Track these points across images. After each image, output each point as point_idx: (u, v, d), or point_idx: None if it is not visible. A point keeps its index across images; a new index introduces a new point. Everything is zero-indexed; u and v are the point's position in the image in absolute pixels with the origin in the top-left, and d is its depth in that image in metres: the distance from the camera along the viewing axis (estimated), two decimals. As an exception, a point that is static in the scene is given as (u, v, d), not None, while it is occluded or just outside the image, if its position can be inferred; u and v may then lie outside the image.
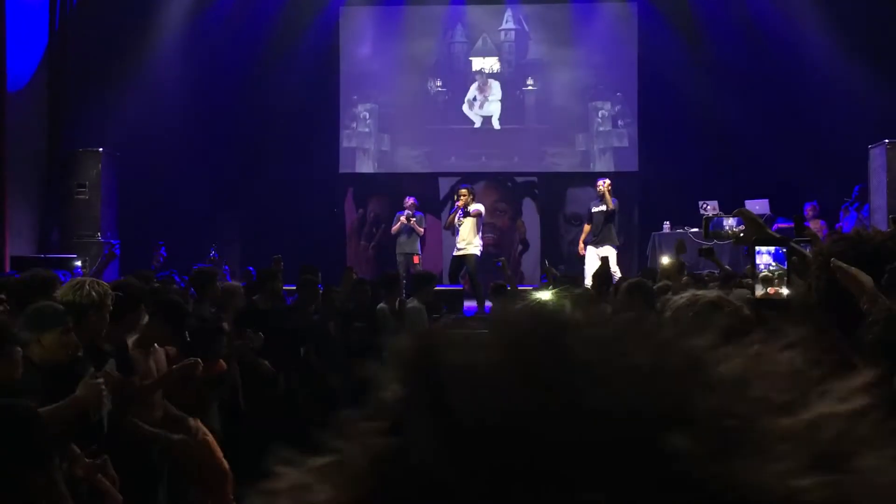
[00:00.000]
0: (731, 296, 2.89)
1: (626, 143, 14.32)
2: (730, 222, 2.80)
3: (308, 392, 6.62)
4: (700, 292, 2.08)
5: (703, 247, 7.14)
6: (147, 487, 4.37)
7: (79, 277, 4.25)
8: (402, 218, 11.51)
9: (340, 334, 7.15)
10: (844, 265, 2.04)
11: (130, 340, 4.60)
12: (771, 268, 1.83)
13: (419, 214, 11.67)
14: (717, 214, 2.97)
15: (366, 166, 14.56)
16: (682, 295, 2.02)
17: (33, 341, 3.33)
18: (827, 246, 1.73)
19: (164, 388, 4.52)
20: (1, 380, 3.02)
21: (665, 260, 6.03)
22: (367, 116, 14.71)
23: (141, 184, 11.43)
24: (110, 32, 11.64)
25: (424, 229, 11.73)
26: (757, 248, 1.86)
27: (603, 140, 14.63)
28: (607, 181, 10.94)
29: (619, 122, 14.43)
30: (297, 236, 12.41)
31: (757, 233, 2.71)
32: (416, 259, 11.36)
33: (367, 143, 14.66)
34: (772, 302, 1.81)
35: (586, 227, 11.06)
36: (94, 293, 3.74)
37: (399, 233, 11.58)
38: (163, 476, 4.49)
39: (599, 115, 14.64)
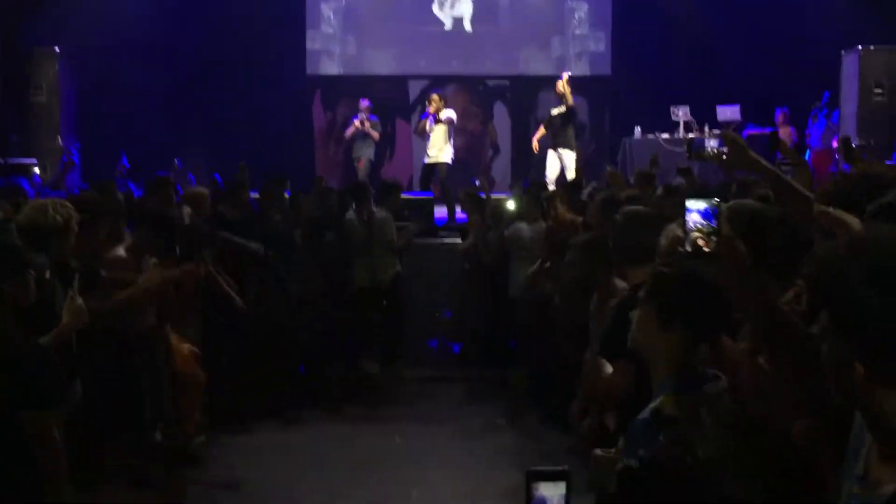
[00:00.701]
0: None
1: (602, 48, 13.99)
2: (713, 143, 2.81)
3: (272, 300, 6.65)
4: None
5: (682, 166, 7.14)
6: (130, 400, 4.41)
7: (41, 200, 4.11)
8: (356, 122, 11.44)
9: (307, 243, 7.14)
10: (829, 210, 2.02)
11: (118, 251, 4.59)
12: (699, 226, 1.82)
13: (374, 118, 11.58)
14: (701, 136, 2.97)
15: (332, 70, 14.17)
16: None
17: None
18: (829, 186, 1.71)
19: (154, 296, 4.49)
20: (14, 304, 2.94)
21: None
22: (332, 16, 14.19)
23: (101, 88, 11.08)
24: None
25: (379, 133, 11.69)
26: (687, 205, 1.84)
27: (579, 44, 14.23)
28: (566, 75, 10.66)
29: (594, 26, 14.02)
30: (265, 141, 12.18)
31: (740, 156, 2.68)
32: (360, 163, 11.45)
33: (332, 44, 14.17)
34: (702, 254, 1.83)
35: (541, 129, 10.84)
36: (58, 217, 3.64)
37: (354, 137, 11.51)
38: (144, 389, 4.51)
39: (575, 17, 14.20)
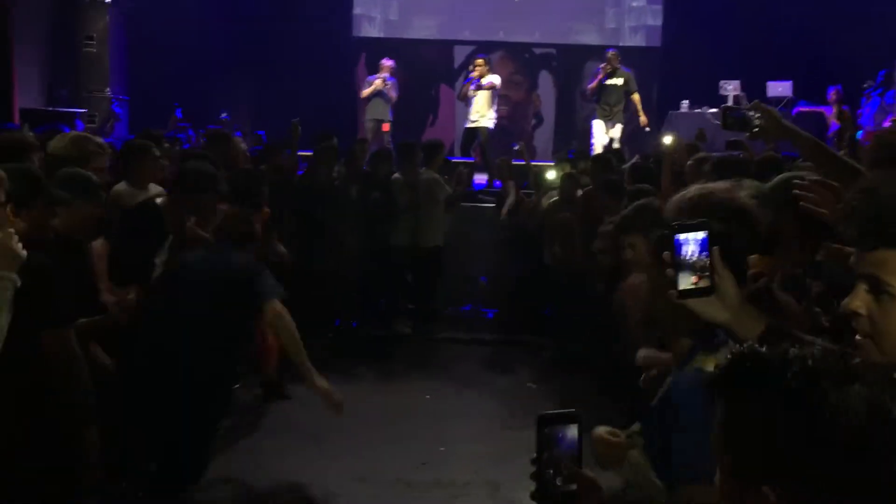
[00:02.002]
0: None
1: (658, 22, 13.61)
2: (749, 114, 2.74)
3: (326, 252, 6.71)
4: (709, 186, 2.01)
5: (732, 139, 6.94)
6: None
7: (79, 133, 4.18)
8: (377, 81, 10.93)
9: (360, 199, 7.22)
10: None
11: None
12: (694, 259, 1.59)
13: (392, 80, 11.03)
14: (736, 107, 2.84)
15: (372, 34, 13.95)
16: (690, 189, 1.93)
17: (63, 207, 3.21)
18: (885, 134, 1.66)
19: None
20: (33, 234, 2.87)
21: (667, 140, 5.83)
22: None
23: (151, 40, 11.16)
24: None
25: (397, 95, 11.12)
26: (683, 236, 1.58)
27: (635, 17, 13.81)
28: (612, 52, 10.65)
29: (666, 3, 13.45)
30: (310, 101, 12.18)
31: (775, 127, 2.63)
32: (385, 126, 10.91)
33: (373, 10, 13.86)
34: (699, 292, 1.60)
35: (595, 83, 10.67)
36: (82, 148, 3.73)
37: (370, 96, 11.02)
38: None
39: None
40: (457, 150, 11.25)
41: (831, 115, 10.47)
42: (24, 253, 2.37)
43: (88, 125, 9.51)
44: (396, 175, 7.60)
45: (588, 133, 11.01)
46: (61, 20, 10.90)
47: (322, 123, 10.73)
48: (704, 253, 1.59)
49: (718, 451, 1.10)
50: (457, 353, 7.17)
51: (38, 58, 10.69)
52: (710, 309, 1.62)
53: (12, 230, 2.39)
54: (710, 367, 1.93)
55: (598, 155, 8.00)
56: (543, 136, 13.76)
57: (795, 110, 10.96)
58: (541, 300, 7.51)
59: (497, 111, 10.63)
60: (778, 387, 1.03)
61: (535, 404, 5.92)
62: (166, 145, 6.47)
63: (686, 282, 1.59)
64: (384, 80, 10.89)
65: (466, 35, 13.74)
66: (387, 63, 11.14)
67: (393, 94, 11.01)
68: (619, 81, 10.42)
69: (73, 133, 4.07)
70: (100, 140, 3.96)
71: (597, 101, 10.58)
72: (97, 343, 3.54)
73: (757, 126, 2.66)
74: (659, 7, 13.60)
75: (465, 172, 8.00)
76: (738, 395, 1.07)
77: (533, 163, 8.48)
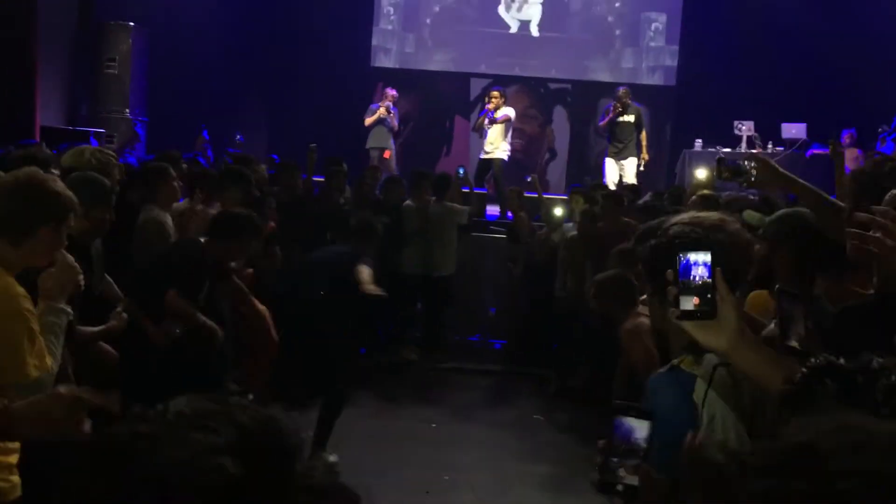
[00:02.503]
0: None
1: (675, 62, 13.53)
2: (744, 163, 2.76)
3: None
4: (702, 214, 2.01)
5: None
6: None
7: (81, 146, 4.27)
8: (381, 110, 11.10)
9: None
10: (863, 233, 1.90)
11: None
12: (697, 279, 1.54)
13: (395, 109, 11.25)
14: (731, 157, 2.90)
15: (388, 66, 13.94)
16: (682, 215, 1.94)
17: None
18: (867, 167, 1.67)
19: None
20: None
21: (700, 174, 5.85)
22: (392, 12, 13.90)
23: (171, 62, 11.31)
24: None
25: (399, 125, 11.36)
26: (686, 255, 1.54)
27: (654, 57, 13.68)
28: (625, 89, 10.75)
29: (670, 39, 13.50)
30: (325, 127, 12.31)
31: (771, 175, 2.66)
32: (387, 154, 11.07)
33: (389, 42, 13.90)
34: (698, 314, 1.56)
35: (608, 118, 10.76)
36: (93, 160, 3.78)
37: (373, 124, 11.15)
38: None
39: (652, 29, 13.68)
40: (471, 181, 11.30)
41: (846, 158, 10.49)
42: (83, 284, 2.38)
43: (107, 144, 9.62)
44: (408, 202, 7.65)
45: (601, 169, 11.05)
46: (84, 41, 11.07)
47: (337, 150, 10.87)
48: (707, 275, 1.55)
49: None
50: (463, 382, 7.16)
51: (61, 77, 10.85)
52: (707, 334, 1.56)
53: (72, 261, 2.41)
54: (687, 367, 1.92)
55: (612, 192, 8.02)
56: (556, 171, 13.81)
57: (809, 152, 11.00)
58: (549, 333, 7.49)
59: (511, 144, 10.70)
60: (867, 400, 1.00)
61: (540, 436, 5.90)
62: (184, 166, 6.54)
63: (687, 303, 1.55)
64: (388, 109, 11.09)
65: (482, 68, 13.83)
66: (390, 92, 11.37)
67: (395, 123, 11.23)
68: (630, 118, 10.48)
69: (86, 146, 4.16)
70: (110, 153, 4.03)
71: (609, 139, 10.63)
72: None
73: (753, 176, 2.67)
74: (676, 47, 13.63)
75: (474, 205, 8.07)
76: (819, 409, 1.04)
77: (545, 195, 8.51)
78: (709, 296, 1.54)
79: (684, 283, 1.55)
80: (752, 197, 6.31)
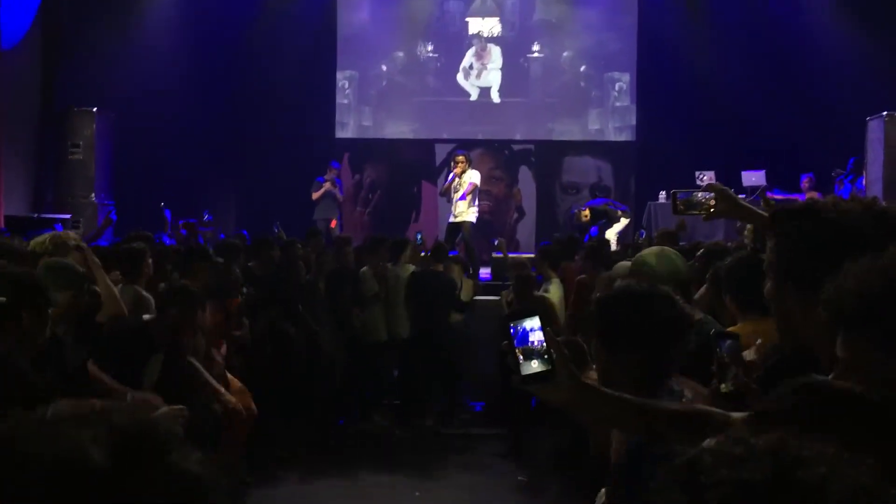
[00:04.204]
0: None
1: (636, 121, 13.58)
2: (700, 195, 2.71)
3: (305, 348, 6.69)
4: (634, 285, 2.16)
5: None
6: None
7: (57, 232, 4.25)
8: (327, 184, 11.80)
9: (328, 294, 7.27)
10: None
11: None
12: (536, 344, 1.60)
13: (339, 182, 12.11)
14: (686, 190, 2.80)
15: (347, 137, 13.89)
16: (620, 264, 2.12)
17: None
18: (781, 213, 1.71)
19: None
20: (29, 337, 2.89)
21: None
22: (346, 86, 13.81)
23: (136, 144, 11.36)
24: (105, -10, 11.49)
25: (343, 196, 12.30)
26: (517, 323, 1.60)
27: (619, 117, 13.60)
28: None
29: (632, 95, 13.50)
30: (293, 200, 12.36)
31: (730, 206, 2.66)
32: (332, 223, 11.83)
33: (346, 116, 13.84)
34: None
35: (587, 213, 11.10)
36: (48, 245, 3.78)
37: (320, 198, 11.84)
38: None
39: (616, 88, 13.62)
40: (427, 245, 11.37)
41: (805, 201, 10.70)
42: None
43: (73, 230, 9.56)
44: (364, 268, 7.71)
45: (570, 226, 11.21)
46: (48, 128, 11.10)
47: (304, 222, 10.95)
48: (541, 340, 1.60)
49: None
50: (445, 447, 7.06)
51: (25, 165, 10.84)
52: (549, 392, 1.60)
53: None
54: None
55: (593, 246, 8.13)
56: (526, 230, 13.92)
57: (769, 197, 11.20)
58: (528, 392, 7.44)
59: (479, 206, 10.81)
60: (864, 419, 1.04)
61: (525, 498, 5.82)
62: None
63: (529, 367, 1.59)
64: (333, 182, 11.87)
65: (443, 135, 13.77)
66: (335, 167, 12.16)
67: (340, 195, 12.09)
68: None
69: (52, 232, 4.15)
70: (72, 236, 4.03)
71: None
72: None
73: (712, 207, 2.62)
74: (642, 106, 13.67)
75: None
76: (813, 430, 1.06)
77: (511, 255, 8.57)
78: (546, 357, 1.59)
79: (525, 350, 1.60)
80: (729, 244, 6.43)
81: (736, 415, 1.57)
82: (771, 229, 1.70)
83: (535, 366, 1.59)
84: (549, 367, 1.58)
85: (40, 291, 2.87)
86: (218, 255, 6.52)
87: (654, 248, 3.60)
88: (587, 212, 11.09)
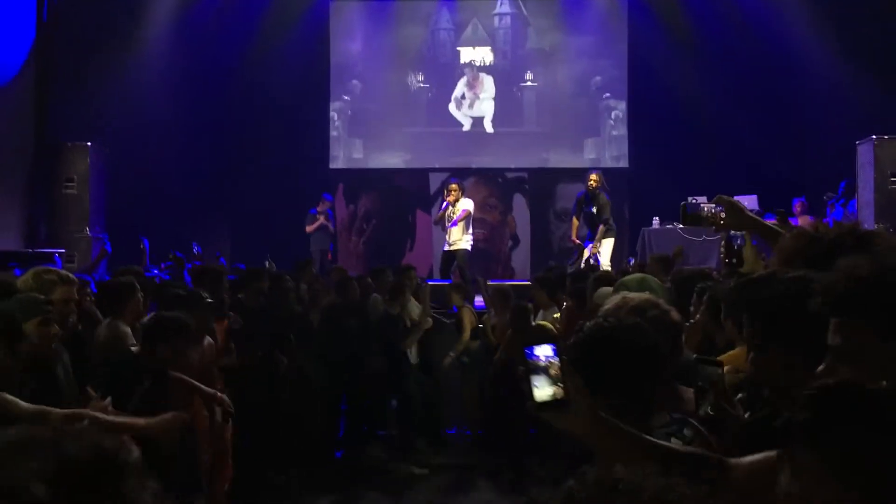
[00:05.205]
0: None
1: (629, 148, 13.52)
2: (707, 207, 2.71)
3: (292, 379, 6.66)
4: (631, 295, 2.11)
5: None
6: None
7: (41, 267, 4.22)
8: (321, 218, 12.05)
9: (326, 330, 7.20)
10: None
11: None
12: (551, 370, 1.62)
13: (331, 213, 12.44)
14: (694, 203, 2.80)
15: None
16: (613, 297, 2.07)
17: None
18: (787, 241, 1.73)
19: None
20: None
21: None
22: (336, 118, 13.71)
23: (129, 178, 11.37)
24: (99, 25, 11.56)
25: (335, 228, 12.67)
26: (534, 349, 1.64)
27: (617, 146, 13.49)
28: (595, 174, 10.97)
29: (629, 123, 13.40)
30: (288, 232, 12.39)
31: (738, 217, 2.67)
32: (329, 255, 12.23)
33: (336, 148, 13.76)
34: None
35: (574, 221, 11.06)
36: (31, 281, 3.76)
37: (314, 230, 12.07)
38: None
39: (612, 117, 13.53)
40: (436, 274, 11.38)
41: (798, 225, 10.75)
42: None
43: (67, 264, 9.54)
44: (375, 296, 7.69)
45: (565, 253, 11.20)
46: (42, 162, 11.11)
47: (303, 251, 10.99)
48: (554, 356, 1.62)
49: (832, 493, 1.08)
50: (441, 479, 7.01)
51: (18, 200, 10.84)
52: (566, 422, 1.61)
53: None
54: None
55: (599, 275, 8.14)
56: (520, 257, 13.94)
57: (763, 222, 11.25)
58: (524, 420, 7.41)
59: (473, 234, 10.84)
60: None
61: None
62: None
63: (543, 394, 1.60)
64: (326, 216, 12.13)
65: (436, 166, 13.74)
66: (327, 199, 12.40)
67: (332, 228, 12.38)
68: (594, 209, 10.71)
69: (37, 267, 4.11)
70: (61, 271, 4.00)
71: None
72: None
73: (721, 219, 2.64)
74: (637, 135, 13.63)
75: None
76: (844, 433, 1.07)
77: (511, 282, 8.56)
78: (561, 385, 1.60)
79: (538, 376, 1.60)
80: (715, 273, 6.42)
81: (735, 461, 1.58)
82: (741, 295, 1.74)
83: (549, 392, 1.59)
84: (564, 396, 1.59)
85: (12, 325, 2.87)
86: (196, 283, 6.47)
87: (636, 275, 3.62)
88: (595, 176, 10.93)
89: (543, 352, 1.62)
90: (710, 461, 1.61)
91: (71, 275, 3.96)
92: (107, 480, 0.78)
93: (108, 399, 3.41)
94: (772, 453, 1.41)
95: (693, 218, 2.70)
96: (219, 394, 4.67)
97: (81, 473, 0.77)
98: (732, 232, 5.08)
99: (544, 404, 1.59)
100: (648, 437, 1.70)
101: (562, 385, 1.59)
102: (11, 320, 2.80)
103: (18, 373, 2.97)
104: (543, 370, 1.61)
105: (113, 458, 0.80)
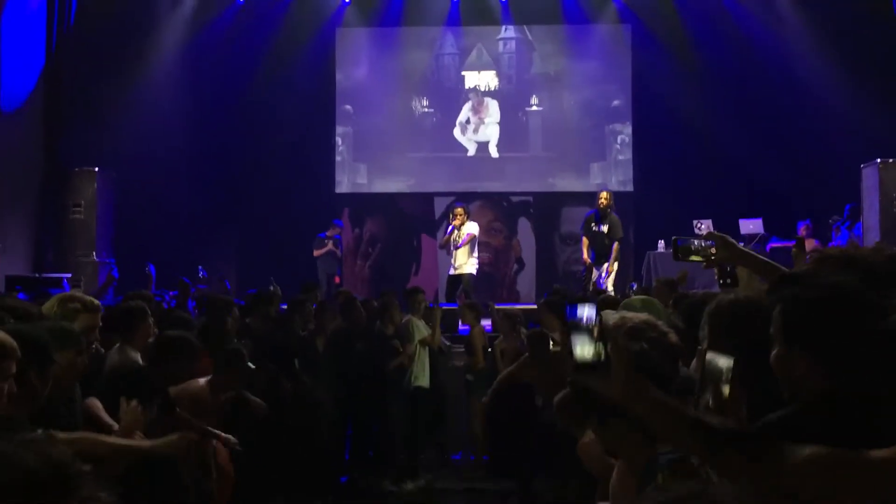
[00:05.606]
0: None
1: (633, 171, 13.51)
2: (699, 242, 2.72)
3: (296, 404, 6.63)
4: (629, 314, 2.12)
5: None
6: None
7: (65, 293, 4.24)
8: (329, 243, 12.12)
9: (332, 355, 7.18)
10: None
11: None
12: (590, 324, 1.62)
13: (339, 238, 12.48)
14: (685, 238, 2.81)
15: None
16: (611, 315, 2.07)
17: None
18: (812, 266, 1.70)
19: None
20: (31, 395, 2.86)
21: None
22: (340, 143, 13.74)
23: (137, 203, 11.44)
24: (107, 52, 11.68)
25: (342, 252, 12.69)
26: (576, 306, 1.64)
27: (623, 171, 13.48)
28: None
29: (635, 148, 13.37)
30: (294, 256, 12.43)
31: (730, 252, 2.68)
32: (336, 279, 12.28)
33: (340, 173, 13.78)
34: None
35: (585, 241, 11.03)
36: (56, 309, 3.77)
37: (322, 255, 12.15)
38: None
39: (618, 141, 13.53)
40: (441, 297, 11.38)
41: (805, 248, 10.74)
42: None
43: (74, 289, 9.57)
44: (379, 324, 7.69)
45: (569, 277, 11.20)
46: (50, 188, 11.18)
47: (311, 275, 11.02)
48: (594, 318, 1.63)
49: None
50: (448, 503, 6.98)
51: (26, 225, 10.90)
52: (603, 384, 1.62)
53: None
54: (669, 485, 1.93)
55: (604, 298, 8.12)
56: (526, 281, 13.94)
57: (769, 246, 11.25)
58: (532, 442, 7.38)
59: (478, 258, 10.86)
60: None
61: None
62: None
63: (585, 353, 1.61)
64: (334, 241, 12.20)
65: (440, 190, 13.74)
66: (338, 225, 12.50)
67: (339, 252, 12.43)
68: (604, 229, 10.72)
69: (62, 294, 4.14)
70: (86, 298, 4.01)
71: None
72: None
73: (712, 254, 2.65)
74: (642, 159, 13.61)
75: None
76: None
77: (518, 306, 8.55)
78: (601, 347, 1.62)
79: (574, 324, 1.62)
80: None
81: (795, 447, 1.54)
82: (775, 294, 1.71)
83: (590, 351, 1.61)
84: (603, 360, 1.60)
85: (44, 350, 2.88)
86: (203, 311, 6.49)
87: (639, 297, 3.64)
88: (606, 194, 10.94)
89: (586, 311, 1.63)
90: (754, 439, 1.58)
91: (95, 301, 3.96)
92: (57, 491, 0.79)
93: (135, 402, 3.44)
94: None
95: (684, 251, 2.70)
96: (222, 434, 4.67)
97: (30, 484, 0.78)
98: None
99: (585, 366, 1.61)
100: (683, 407, 1.69)
101: (603, 349, 1.61)
102: (43, 344, 2.82)
103: (45, 397, 2.97)
104: (586, 330, 1.62)
105: (64, 469, 0.81)
